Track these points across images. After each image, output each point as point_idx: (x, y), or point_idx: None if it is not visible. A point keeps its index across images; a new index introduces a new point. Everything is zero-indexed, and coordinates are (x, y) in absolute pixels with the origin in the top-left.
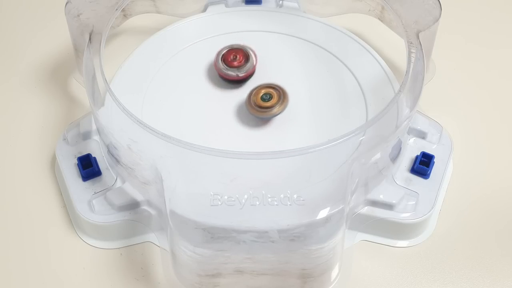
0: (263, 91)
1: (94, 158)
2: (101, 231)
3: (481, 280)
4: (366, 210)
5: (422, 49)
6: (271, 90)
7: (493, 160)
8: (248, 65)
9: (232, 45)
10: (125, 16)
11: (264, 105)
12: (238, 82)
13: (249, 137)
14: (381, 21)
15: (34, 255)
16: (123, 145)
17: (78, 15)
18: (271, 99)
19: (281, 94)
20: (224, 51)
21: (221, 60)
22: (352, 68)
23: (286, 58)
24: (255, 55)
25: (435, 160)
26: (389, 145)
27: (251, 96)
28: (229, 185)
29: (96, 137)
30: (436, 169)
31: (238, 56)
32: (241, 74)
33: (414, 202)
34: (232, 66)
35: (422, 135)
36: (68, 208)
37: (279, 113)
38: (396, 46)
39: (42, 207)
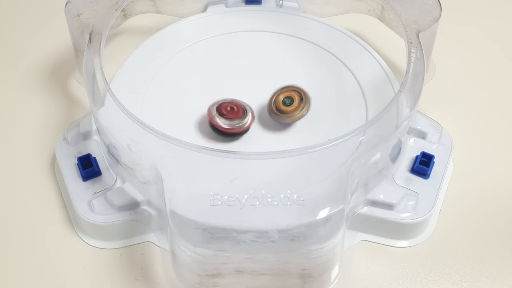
0: (282, 96)
1: (94, 158)
2: (101, 231)
3: (481, 280)
4: (366, 210)
5: (422, 49)
6: (292, 94)
7: (493, 160)
8: (244, 121)
9: (232, 99)
10: (125, 16)
11: (286, 109)
12: (228, 135)
13: (249, 136)
14: (381, 21)
15: (34, 255)
16: (123, 145)
17: (78, 15)
18: (293, 103)
19: (302, 97)
20: (222, 103)
21: (216, 110)
22: (352, 68)
23: (286, 58)
24: (252, 114)
25: (435, 160)
26: (389, 145)
27: (272, 102)
28: (229, 185)
29: (96, 137)
30: (436, 169)
31: (235, 108)
32: (230, 127)
33: (414, 202)
34: (227, 117)
35: (422, 135)
36: (68, 208)
37: (302, 117)
38: (396, 46)
39: (42, 207)
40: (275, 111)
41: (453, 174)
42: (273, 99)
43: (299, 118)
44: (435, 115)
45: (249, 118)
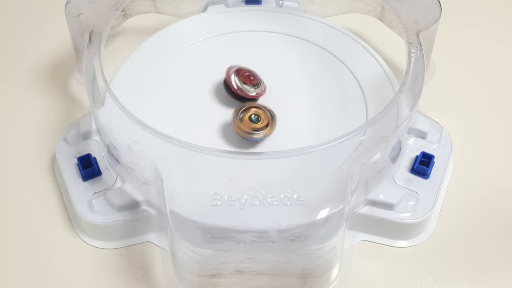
0: (252, 111)
1: (94, 158)
2: (101, 231)
3: (481, 280)
4: (366, 210)
5: (422, 49)
6: (260, 111)
7: (493, 160)
8: (261, 87)
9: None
10: (125, 16)
11: (253, 126)
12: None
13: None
14: (381, 21)
15: (34, 255)
16: (123, 145)
17: (78, 15)
18: (259, 120)
19: (269, 118)
20: (236, 68)
21: (236, 75)
22: (352, 68)
23: (286, 58)
24: (265, 88)
25: (435, 160)
26: (389, 145)
27: (239, 115)
28: (229, 185)
29: (96, 137)
30: (436, 169)
31: (251, 76)
32: (253, 93)
33: (414, 202)
34: (249, 83)
35: (422, 135)
36: (68, 208)
37: (265, 137)
38: (396, 46)
39: (42, 207)
40: (240, 125)
41: (453, 174)
42: (240, 111)
43: (260, 138)
44: (435, 115)
45: (261, 89)
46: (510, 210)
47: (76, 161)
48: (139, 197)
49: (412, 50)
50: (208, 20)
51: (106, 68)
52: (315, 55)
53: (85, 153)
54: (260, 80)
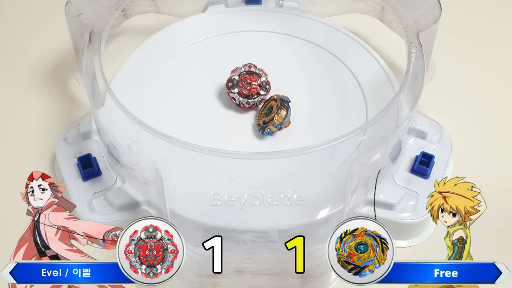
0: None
1: (94, 158)
2: None
3: None
4: (366, 210)
5: (422, 49)
6: (271, 103)
7: (493, 160)
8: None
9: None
10: (125, 16)
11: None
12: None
13: (249, 136)
14: (381, 21)
15: None
16: (123, 145)
17: (78, 15)
18: (271, 111)
19: (280, 103)
20: (243, 70)
21: (237, 86)
22: (352, 68)
23: (286, 58)
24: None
25: (435, 160)
26: (389, 145)
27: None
28: (229, 185)
29: (96, 137)
30: (436, 169)
31: (252, 82)
32: (247, 104)
33: (414, 202)
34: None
35: (422, 135)
36: None
37: (282, 122)
38: (396, 46)
39: None
40: (259, 123)
41: (453, 174)
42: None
43: (280, 123)
44: (435, 115)
45: (264, 91)
46: (509, 209)
47: (76, 161)
48: (139, 197)
49: (412, 50)
50: (208, 20)
51: (106, 68)
52: (315, 55)
53: (85, 153)
54: (263, 83)
